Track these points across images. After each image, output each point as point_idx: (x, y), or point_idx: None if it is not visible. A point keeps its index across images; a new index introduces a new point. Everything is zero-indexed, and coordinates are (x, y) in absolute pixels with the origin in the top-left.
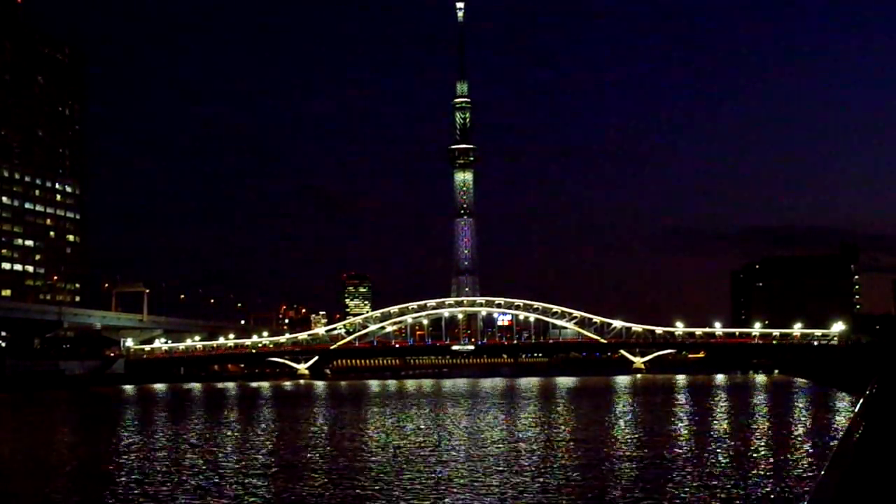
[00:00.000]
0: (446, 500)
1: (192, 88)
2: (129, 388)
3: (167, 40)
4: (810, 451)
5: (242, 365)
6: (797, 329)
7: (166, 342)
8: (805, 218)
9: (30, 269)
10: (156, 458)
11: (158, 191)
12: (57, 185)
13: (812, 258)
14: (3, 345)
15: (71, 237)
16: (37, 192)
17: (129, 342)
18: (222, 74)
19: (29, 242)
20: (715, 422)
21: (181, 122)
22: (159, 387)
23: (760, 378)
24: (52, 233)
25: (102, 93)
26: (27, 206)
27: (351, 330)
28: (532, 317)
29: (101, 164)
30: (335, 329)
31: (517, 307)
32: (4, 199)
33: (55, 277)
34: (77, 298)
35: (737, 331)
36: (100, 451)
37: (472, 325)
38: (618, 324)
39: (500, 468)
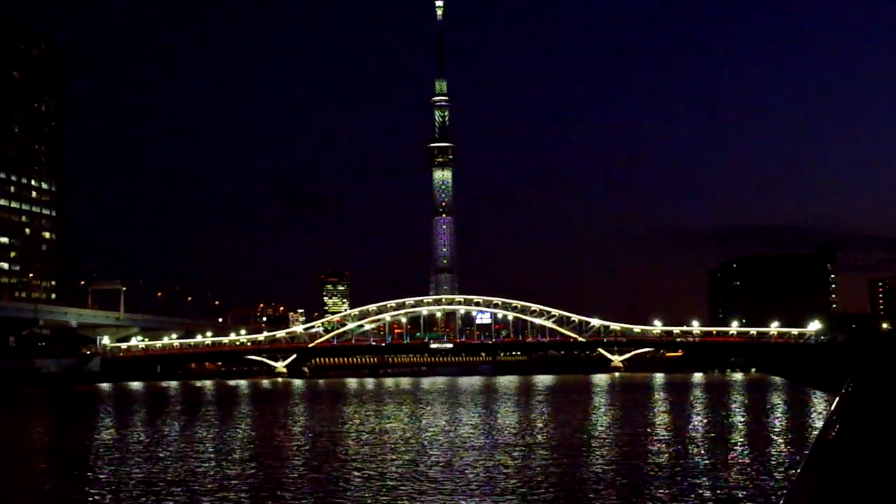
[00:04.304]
0: (426, 494)
1: (170, 86)
2: (105, 386)
3: (144, 37)
4: (786, 449)
5: (220, 363)
6: (774, 328)
7: (143, 340)
8: (782, 218)
9: (5, 266)
10: (131, 456)
11: (135, 188)
12: (33, 182)
13: (789, 257)
14: None
15: (47, 234)
16: (12, 188)
17: (106, 340)
18: (200, 72)
19: (4, 239)
20: (691, 420)
21: (158, 119)
22: (136, 385)
23: (738, 376)
24: (27, 230)
25: (79, 89)
26: (2, 202)
27: (329, 328)
28: (510, 315)
29: (78, 160)
30: (313, 327)
31: (496, 305)
32: None
33: (31, 275)
34: (53, 296)
35: (714, 329)
36: (74, 449)
37: (451, 324)
38: (596, 322)
39: (478, 465)
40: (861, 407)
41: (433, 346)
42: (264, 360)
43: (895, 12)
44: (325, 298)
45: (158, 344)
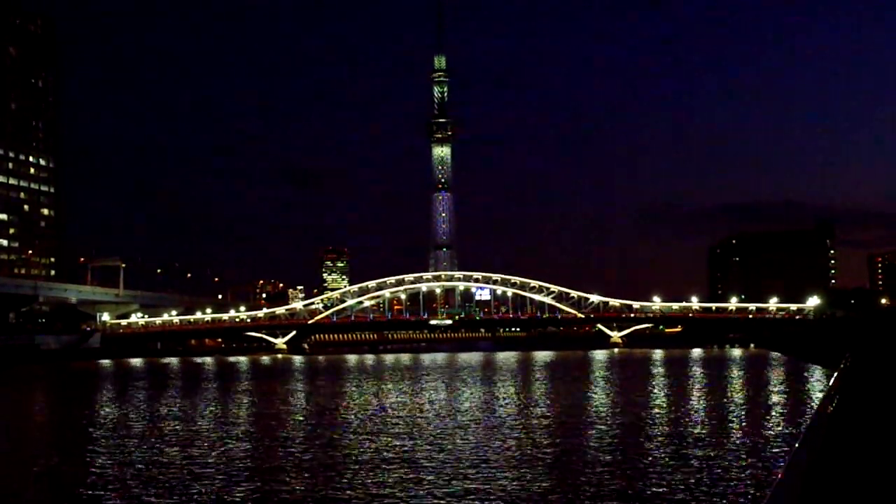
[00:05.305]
0: (423, 475)
1: (168, 62)
2: (105, 362)
3: (142, 12)
4: (784, 423)
5: (220, 339)
6: (773, 303)
7: (143, 316)
8: (781, 194)
9: (3, 242)
10: (131, 432)
11: (134, 164)
12: (31, 159)
13: (788, 233)
14: None
15: (45, 211)
16: (10, 165)
17: (106, 316)
18: (198, 49)
19: (2, 216)
20: (690, 395)
21: (156, 95)
22: (136, 361)
23: (736, 352)
24: (26, 206)
25: (76, 64)
26: (0, 179)
27: (328, 304)
28: (510, 291)
29: (76, 136)
30: (313, 304)
31: (495, 282)
32: None
33: (30, 251)
34: (52, 272)
35: (713, 305)
36: (74, 426)
37: (450, 300)
38: (595, 298)
39: (476, 440)
40: (859, 381)
41: (432, 322)
42: (264, 336)
43: None
44: (325, 275)
45: (158, 320)
